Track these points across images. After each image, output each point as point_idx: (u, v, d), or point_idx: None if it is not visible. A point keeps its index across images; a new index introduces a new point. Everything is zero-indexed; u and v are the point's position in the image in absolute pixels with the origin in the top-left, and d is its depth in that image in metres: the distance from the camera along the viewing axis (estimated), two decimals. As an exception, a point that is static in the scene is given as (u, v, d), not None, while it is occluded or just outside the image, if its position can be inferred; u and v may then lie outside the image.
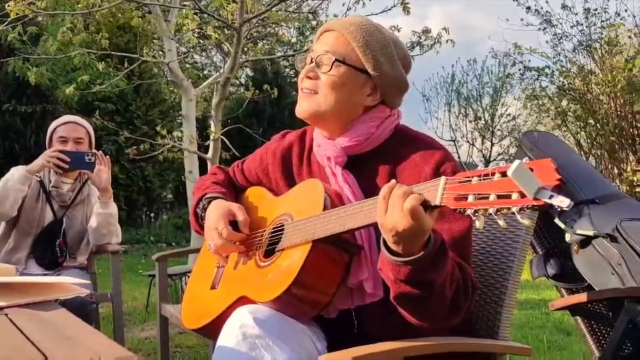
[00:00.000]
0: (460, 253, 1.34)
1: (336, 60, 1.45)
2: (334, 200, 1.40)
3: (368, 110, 1.49)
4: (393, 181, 1.18)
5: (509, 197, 0.96)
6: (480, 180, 1.02)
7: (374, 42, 1.46)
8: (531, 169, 0.94)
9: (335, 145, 1.49)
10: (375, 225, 1.21)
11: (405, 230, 1.12)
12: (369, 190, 1.41)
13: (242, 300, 1.38)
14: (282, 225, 1.44)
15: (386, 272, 1.22)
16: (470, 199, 1.02)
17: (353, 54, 1.46)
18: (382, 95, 1.48)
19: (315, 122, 1.54)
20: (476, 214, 1.01)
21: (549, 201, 0.91)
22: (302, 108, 1.49)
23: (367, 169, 1.47)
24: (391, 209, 1.14)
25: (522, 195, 0.95)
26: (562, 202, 0.91)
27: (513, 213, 0.96)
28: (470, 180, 1.04)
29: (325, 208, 1.35)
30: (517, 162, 0.94)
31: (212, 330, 1.46)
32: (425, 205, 1.10)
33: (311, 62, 1.49)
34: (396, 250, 1.18)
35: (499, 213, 0.98)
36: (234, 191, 1.72)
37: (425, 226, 1.12)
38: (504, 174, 0.98)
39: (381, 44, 1.46)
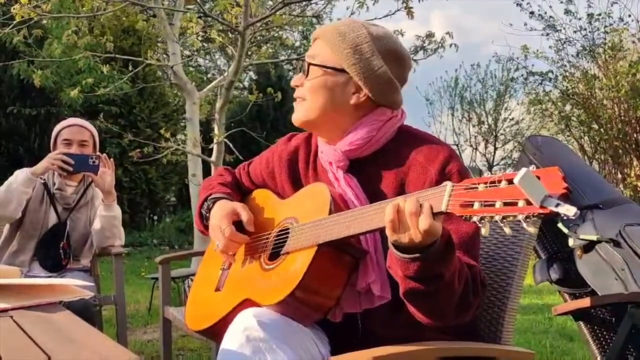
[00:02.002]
0: (469, 252, 1.34)
1: (310, 64, 1.49)
2: (340, 204, 1.40)
3: (365, 113, 1.48)
4: (397, 201, 1.17)
5: (515, 204, 0.96)
6: (486, 187, 1.02)
7: (348, 40, 1.46)
8: (538, 177, 0.94)
9: (336, 150, 1.49)
10: (381, 230, 1.22)
11: (419, 242, 1.14)
12: (374, 193, 1.41)
13: (246, 303, 1.39)
14: (288, 229, 1.45)
15: (395, 270, 1.23)
16: (476, 206, 1.02)
17: (329, 56, 1.48)
18: (369, 93, 1.46)
19: (310, 128, 1.57)
20: (482, 221, 1.01)
21: (556, 210, 0.91)
22: (295, 116, 1.54)
23: (370, 172, 1.47)
24: (405, 227, 1.15)
25: (529, 203, 0.94)
26: (568, 210, 0.91)
27: (519, 221, 0.96)
28: (476, 187, 1.04)
29: (330, 212, 1.35)
30: (524, 170, 0.94)
31: (215, 332, 1.46)
32: (434, 212, 1.11)
33: (300, 71, 1.52)
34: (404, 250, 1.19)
35: (504, 220, 0.98)
36: (240, 193, 1.73)
37: (437, 233, 1.14)
38: (510, 182, 0.98)
39: (356, 41, 1.46)
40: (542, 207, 0.93)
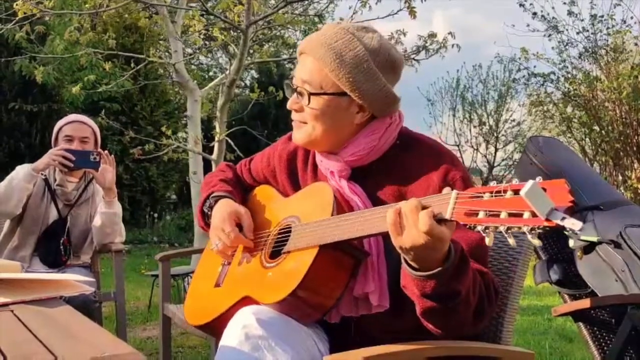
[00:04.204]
0: (479, 259, 1.32)
1: (311, 93, 1.42)
2: (342, 205, 1.40)
3: (364, 125, 1.46)
4: (399, 205, 1.16)
5: (520, 215, 0.95)
6: (492, 196, 1.01)
7: (347, 62, 1.38)
8: (544, 189, 0.93)
9: (338, 160, 1.47)
10: (384, 234, 1.20)
11: (423, 247, 1.11)
12: (376, 201, 1.40)
13: (246, 301, 1.39)
14: (289, 227, 1.44)
15: (411, 289, 1.21)
16: (481, 215, 1.01)
17: (328, 80, 1.41)
18: (373, 111, 1.44)
19: (313, 148, 1.54)
20: (486, 231, 1.00)
21: (561, 223, 0.91)
22: (296, 138, 1.51)
23: (372, 179, 1.46)
24: (407, 229, 1.13)
25: (534, 215, 0.93)
26: (574, 225, 0.90)
27: (524, 232, 0.95)
28: (482, 196, 1.03)
29: (333, 213, 1.35)
30: (530, 182, 0.93)
31: (214, 328, 1.47)
32: (439, 218, 1.10)
33: (294, 91, 1.47)
34: (417, 266, 1.17)
35: (509, 231, 0.97)
36: (242, 189, 1.72)
37: (443, 239, 1.11)
38: (516, 192, 0.97)
39: (354, 61, 1.39)
40: (547, 220, 0.92)
